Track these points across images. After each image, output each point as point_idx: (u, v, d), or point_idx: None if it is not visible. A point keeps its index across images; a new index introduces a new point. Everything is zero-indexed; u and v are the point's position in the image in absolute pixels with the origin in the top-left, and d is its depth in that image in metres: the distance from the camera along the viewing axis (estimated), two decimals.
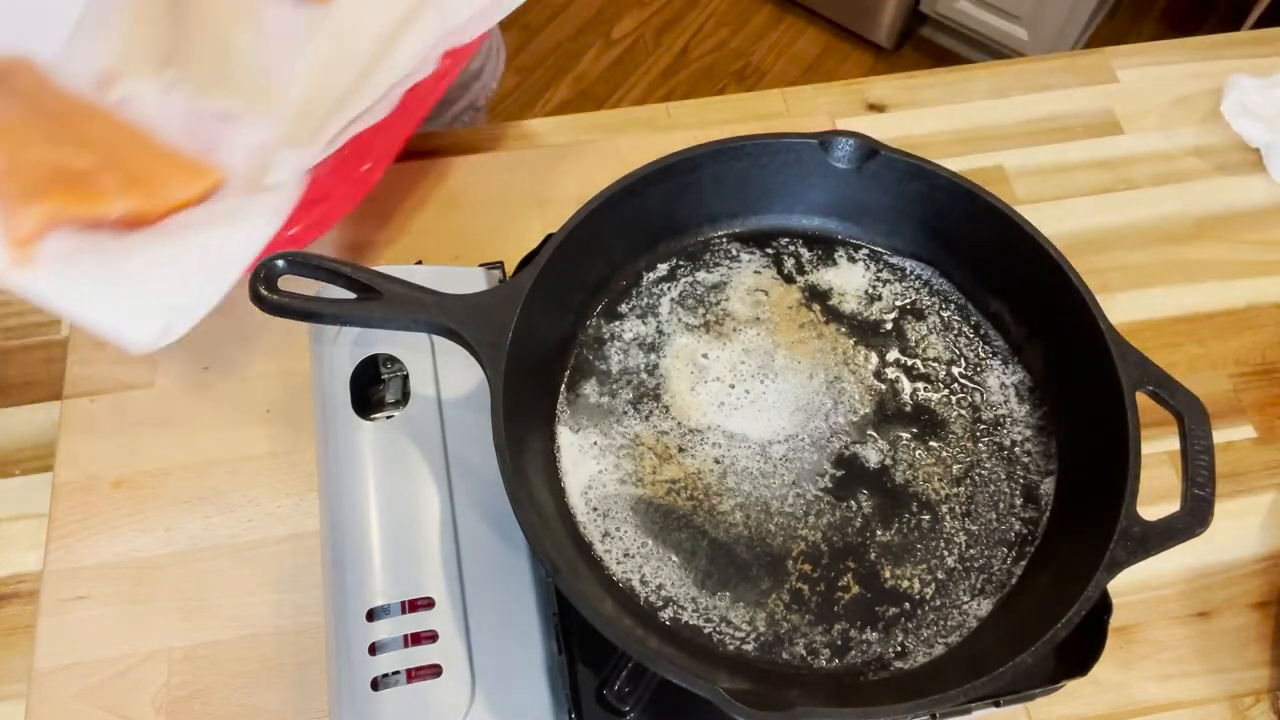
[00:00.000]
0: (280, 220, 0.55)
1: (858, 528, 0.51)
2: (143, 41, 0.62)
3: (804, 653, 0.48)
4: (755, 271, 0.59)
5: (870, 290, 0.59)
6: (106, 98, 0.60)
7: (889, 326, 0.58)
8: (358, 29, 0.64)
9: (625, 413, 0.54)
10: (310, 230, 0.58)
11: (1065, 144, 0.80)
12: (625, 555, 0.50)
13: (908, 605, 0.50)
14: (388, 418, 0.54)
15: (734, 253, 0.60)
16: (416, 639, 0.48)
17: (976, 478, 0.53)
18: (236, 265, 0.54)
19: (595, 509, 0.51)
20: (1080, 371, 0.52)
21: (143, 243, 0.55)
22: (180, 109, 0.62)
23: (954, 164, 0.61)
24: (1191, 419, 0.48)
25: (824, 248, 0.60)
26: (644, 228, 0.58)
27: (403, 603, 0.49)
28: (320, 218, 0.58)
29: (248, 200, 0.57)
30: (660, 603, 0.49)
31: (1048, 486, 0.53)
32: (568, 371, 0.55)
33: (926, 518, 0.52)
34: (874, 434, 0.54)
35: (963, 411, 0.55)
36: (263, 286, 0.47)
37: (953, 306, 0.59)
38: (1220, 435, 0.67)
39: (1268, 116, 0.79)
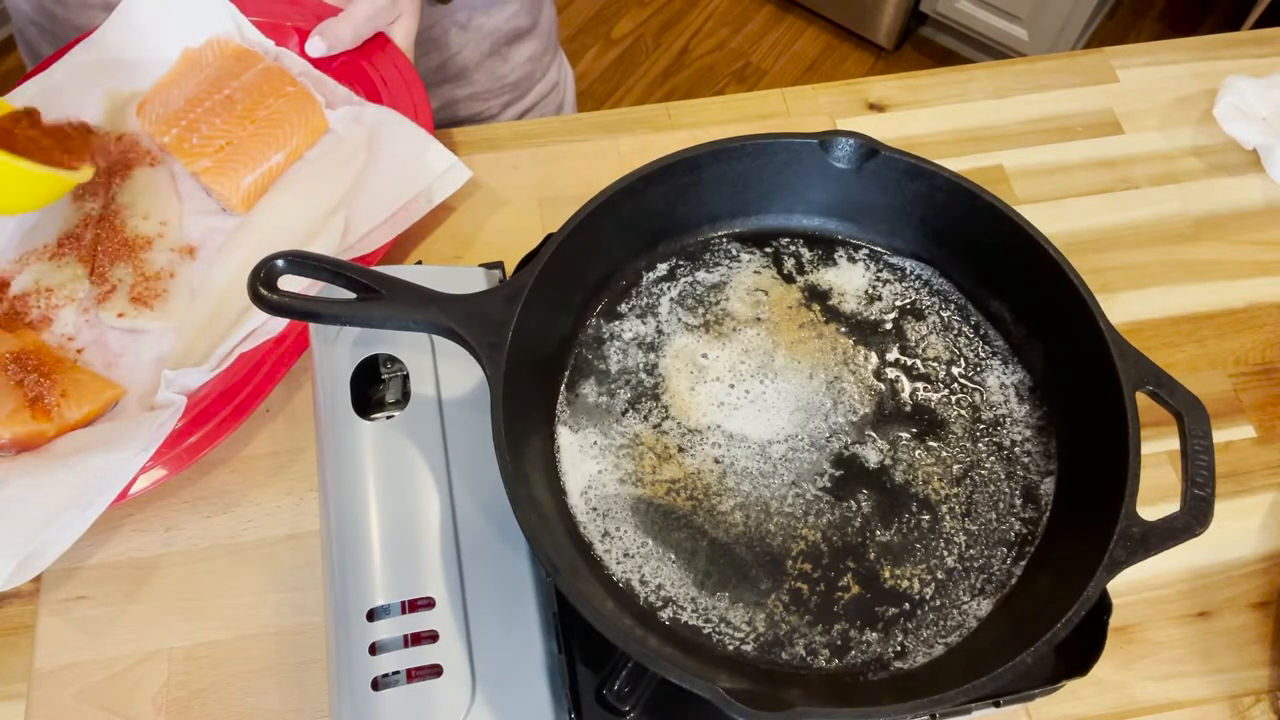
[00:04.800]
0: (154, 447, 0.57)
1: (857, 528, 0.51)
2: (65, 262, 0.66)
3: (803, 653, 0.48)
4: (755, 271, 0.59)
5: (870, 290, 0.59)
6: (27, 315, 0.64)
7: (889, 326, 0.58)
8: (275, 236, 0.67)
9: (625, 413, 0.54)
10: (172, 465, 0.59)
11: (1065, 144, 0.80)
12: (625, 555, 0.50)
13: (907, 605, 0.50)
14: (388, 418, 0.54)
15: (734, 253, 0.60)
16: (416, 639, 0.48)
17: (976, 478, 0.53)
18: (105, 496, 0.56)
19: (595, 509, 0.51)
20: (1080, 371, 0.52)
21: (20, 471, 0.57)
22: (92, 322, 0.65)
23: (954, 164, 0.61)
24: (1191, 419, 0.48)
25: (824, 248, 0.60)
26: (644, 228, 0.58)
27: (403, 603, 0.49)
28: (185, 453, 0.59)
29: (130, 424, 0.59)
30: (660, 603, 0.49)
31: (1048, 486, 0.53)
32: (567, 371, 0.55)
33: (926, 518, 0.52)
34: (874, 434, 0.54)
35: (962, 411, 0.55)
36: (262, 286, 0.47)
37: (953, 306, 0.58)
38: (1220, 435, 0.67)
39: (1265, 117, 0.79)
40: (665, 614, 0.49)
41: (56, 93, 0.72)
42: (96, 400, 0.60)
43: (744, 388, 0.55)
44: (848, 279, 0.59)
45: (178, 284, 0.66)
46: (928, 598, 0.50)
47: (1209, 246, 0.75)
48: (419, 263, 0.68)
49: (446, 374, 0.55)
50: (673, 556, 0.50)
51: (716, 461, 0.53)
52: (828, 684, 0.47)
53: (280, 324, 0.63)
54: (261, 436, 0.64)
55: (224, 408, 0.60)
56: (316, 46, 0.73)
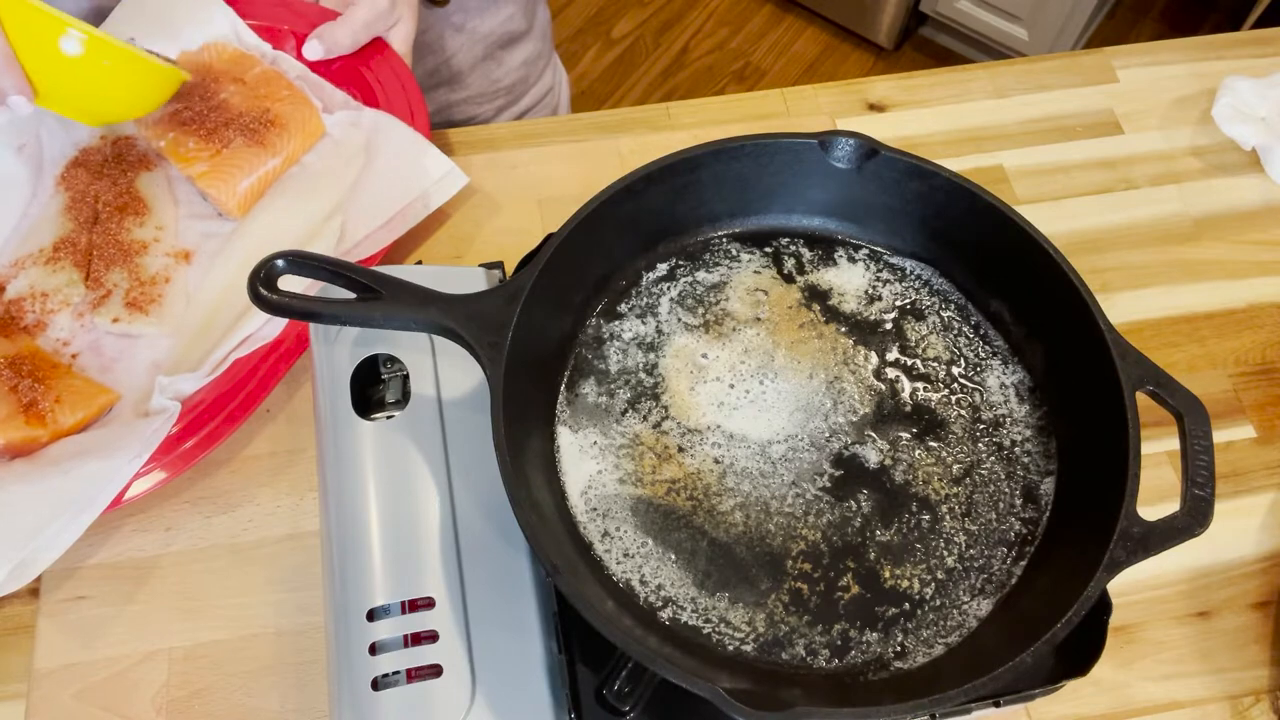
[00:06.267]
0: (148, 453, 0.57)
1: (857, 528, 0.51)
2: (61, 266, 0.66)
3: (803, 653, 0.48)
4: (755, 271, 0.59)
5: (870, 290, 0.59)
6: (22, 319, 0.64)
7: (889, 326, 0.58)
8: (271, 241, 0.67)
9: (625, 412, 0.54)
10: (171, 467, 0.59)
11: (1065, 144, 0.80)
12: (625, 555, 0.50)
13: (907, 605, 0.50)
14: (388, 418, 0.54)
15: (734, 253, 0.60)
16: (416, 639, 0.48)
17: (976, 478, 0.53)
18: (98, 504, 0.55)
19: (595, 509, 0.51)
20: (1080, 371, 0.52)
21: (13, 478, 0.56)
22: (87, 327, 0.65)
23: (954, 164, 0.61)
24: (1191, 419, 0.48)
25: (824, 248, 0.60)
26: (644, 228, 0.58)
27: (403, 603, 0.49)
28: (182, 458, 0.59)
29: (124, 430, 0.59)
30: (660, 603, 0.49)
31: (1048, 486, 0.53)
32: (567, 371, 0.55)
33: (926, 518, 0.52)
34: (874, 434, 0.54)
35: (963, 411, 0.55)
36: (262, 286, 0.47)
37: (953, 306, 0.58)
38: (1220, 435, 0.67)
39: (1264, 117, 0.79)
40: (665, 614, 0.49)
41: None
42: (91, 406, 0.60)
43: (744, 388, 0.55)
44: (848, 279, 0.59)
45: (173, 289, 0.66)
46: (928, 598, 0.50)
47: (1209, 246, 0.75)
48: (419, 263, 0.68)
49: (446, 374, 0.55)
50: (673, 556, 0.50)
51: (716, 461, 0.53)
52: (828, 684, 0.47)
53: (276, 329, 0.63)
54: (261, 437, 0.64)
55: (219, 413, 0.60)
56: (314, 50, 0.73)
